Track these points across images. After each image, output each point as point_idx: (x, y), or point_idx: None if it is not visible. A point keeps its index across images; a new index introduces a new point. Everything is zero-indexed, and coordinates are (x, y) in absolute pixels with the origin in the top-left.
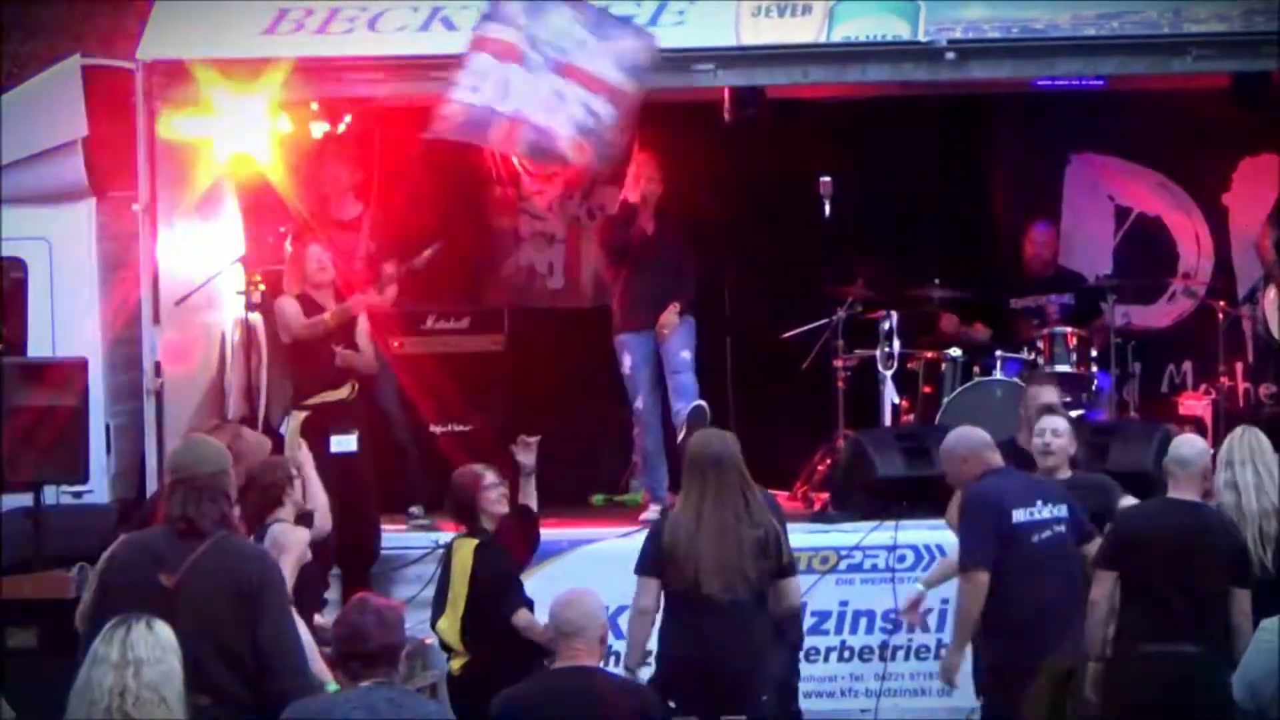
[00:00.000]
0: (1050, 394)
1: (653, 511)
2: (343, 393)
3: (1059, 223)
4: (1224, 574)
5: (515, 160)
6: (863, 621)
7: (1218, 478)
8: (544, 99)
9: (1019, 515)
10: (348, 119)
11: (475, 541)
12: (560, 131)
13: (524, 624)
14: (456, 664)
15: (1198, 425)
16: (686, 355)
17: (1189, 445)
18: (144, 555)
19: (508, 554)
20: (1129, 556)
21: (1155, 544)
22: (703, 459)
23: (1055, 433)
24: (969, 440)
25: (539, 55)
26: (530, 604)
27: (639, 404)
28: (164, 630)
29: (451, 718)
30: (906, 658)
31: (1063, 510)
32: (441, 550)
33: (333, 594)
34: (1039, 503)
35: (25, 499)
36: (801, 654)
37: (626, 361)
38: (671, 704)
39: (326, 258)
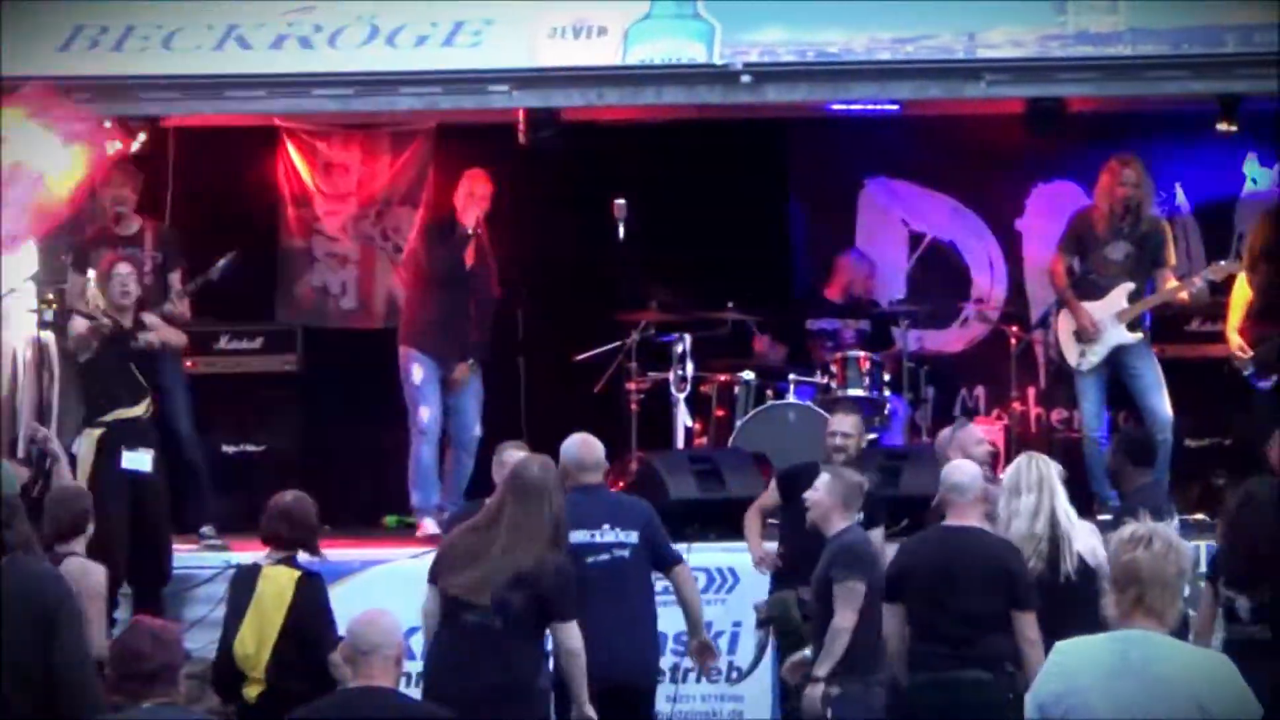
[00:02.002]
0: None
1: (430, 528)
2: (137, 410)
3: (853, 246)
4: (1001, 599)
5: (309, 181)
6: None
7: (1006, 504)
8: None
9: (577, 536)
10: (142, 137)
11: (298, 573)
12: None
13: (337, 663)
14: (253, 691)
15: (990, 450)
16: (478, 432)
17: (961, 472)
18: None
19: (326, 589)
20: (905, 588)
21: (930, 573)
22: (512, 481)
23: (845, 434)
24: (566, 453)
25: None
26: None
27: (423, 416)
28: None
29: None
30: (698, 679)
31: (633, 536)
32: (233, 572)
33: (123, 614)
34: (605, 526)
35: None
36: None
37: (417, 374)
38: None
39: (131, 280)
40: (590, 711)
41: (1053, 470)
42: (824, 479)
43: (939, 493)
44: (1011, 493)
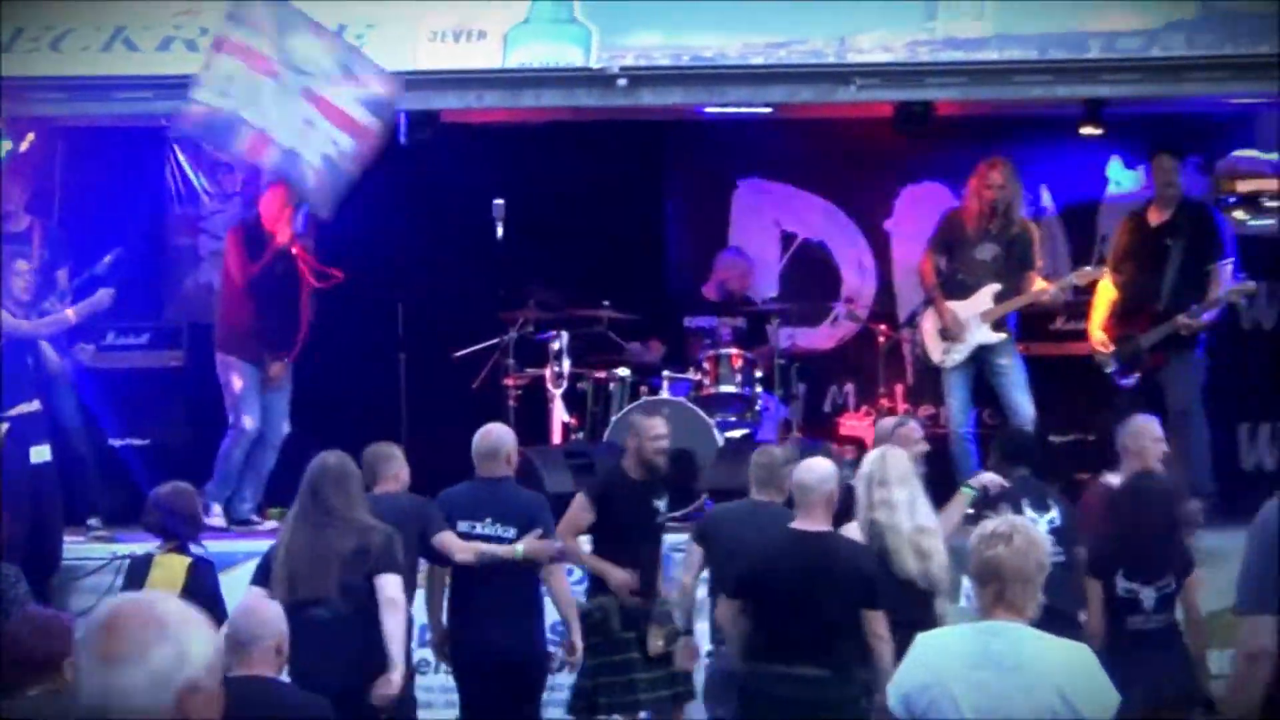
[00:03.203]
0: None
1: (216, 516)
2: (35, 405)
3: (727, 246)
4: (850, 599)
5: (196, 181)
6: None
7: (867, 492)
8: (294, 123)
9: (461, 525)
10: (31, 136)
11: (189, 560)
12: (307, 158)
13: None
14: None
15: (859, 445)
16: (287, 429)
17: (810, 472)
18: None
19: (216, 575)
20: (752, 588)
21: (778, 576)
22: (316, 476)
23: (662, 435)
24: (476, 442)
25: (292, 75)
26: None
27: (246, 424)
28: None
29: None
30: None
31: (510, 532)
32: (120, 561)
33: None
34: (488, 519)
35: None
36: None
37: (237, 383)
38: None
39: (30, 275)
40: (398, 675)
41: (907, 462)
42: None
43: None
44: (877, 483)
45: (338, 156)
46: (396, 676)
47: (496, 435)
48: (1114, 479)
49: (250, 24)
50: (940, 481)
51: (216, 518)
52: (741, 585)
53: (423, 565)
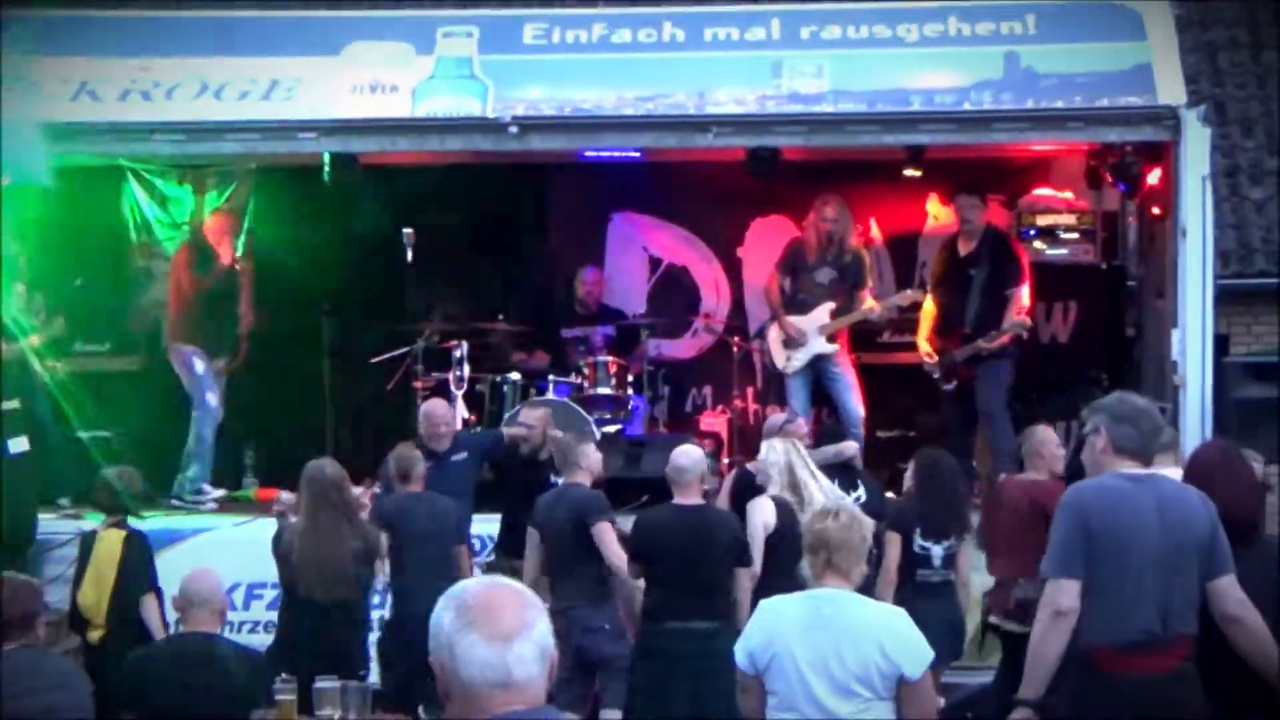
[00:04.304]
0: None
1: (212, 494)
2: (14, 403)
3: (603, 268)
4: (726, 560)
5: (150, 213)
6: None
7: (785, 476)
8: None
9: None
10: (7, 177)
11: (125, 533)
12: None
13: (149, 607)
14: (95, 635)
15: (715, 439)
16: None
17: (685, 456)
18: None
19: (149, 547)
20: (647, 552)
21: (667, 542)
22: (309, 483)
23: (529, 426)
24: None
25: None
26: (160, 591)
27: (211, 400)
28: None
29: (79, 673)
30: None
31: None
32: (80, 536)
33: None
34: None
35: None
36: None
37: (200, 365)
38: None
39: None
40: None
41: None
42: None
43: (667, 473)
44: (801, 468)
45: None
46: None
47: (402, 455)
48: (1023, 478)
49: None
50: None
51: (212, 498)
52: (639, 549)
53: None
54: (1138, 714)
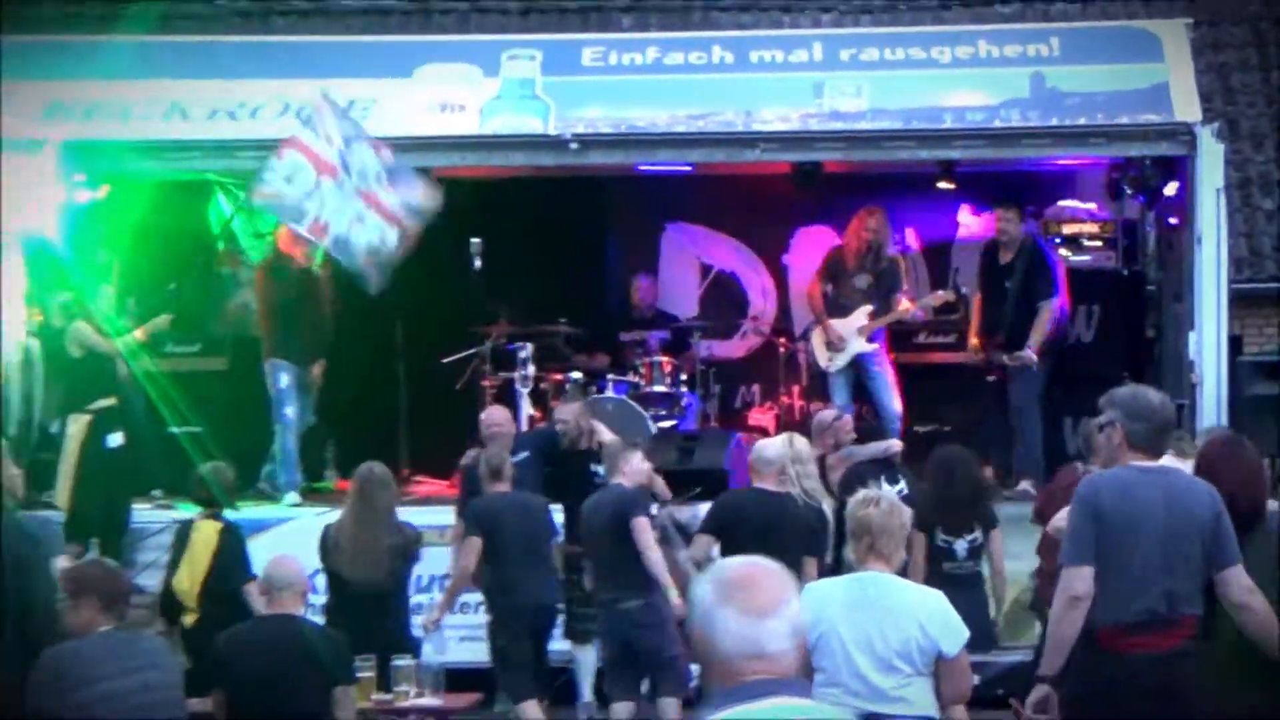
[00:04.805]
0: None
1: (294, 499)
2: (111, 401)
3: (657, 275)
4: (797, 546)
5: (235, 222)
6: None
7: (794, 466)
8: (348, 216)
9: None
10: (105, 188)
11: (221, 525)
12: (357, 246)
13: (251, 594)
14: (189, 619)
15: (764, 433)
16: (311, 420)
17: (771, 449)
18: None
19: (243, 538)
20: (726, 529)
21: (746, 522)
22: (359, 482)
23: (563, 420)
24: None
25: (349, 179)
26: (254, 577)
27: (289, 412)
28: None
29: (170, 651)
30: None
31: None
32: (176, 525)
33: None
34: None
35: None
36: None
37: (285, 379)
38: None
39: (114, 302)
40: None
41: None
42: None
43: (750, 462)
44: (808, 460)
45: (381, 244)
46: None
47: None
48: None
49: (320, 130)
50: None
51: (293, 501)
52: (719, 525)
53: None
54: (1139, 689)
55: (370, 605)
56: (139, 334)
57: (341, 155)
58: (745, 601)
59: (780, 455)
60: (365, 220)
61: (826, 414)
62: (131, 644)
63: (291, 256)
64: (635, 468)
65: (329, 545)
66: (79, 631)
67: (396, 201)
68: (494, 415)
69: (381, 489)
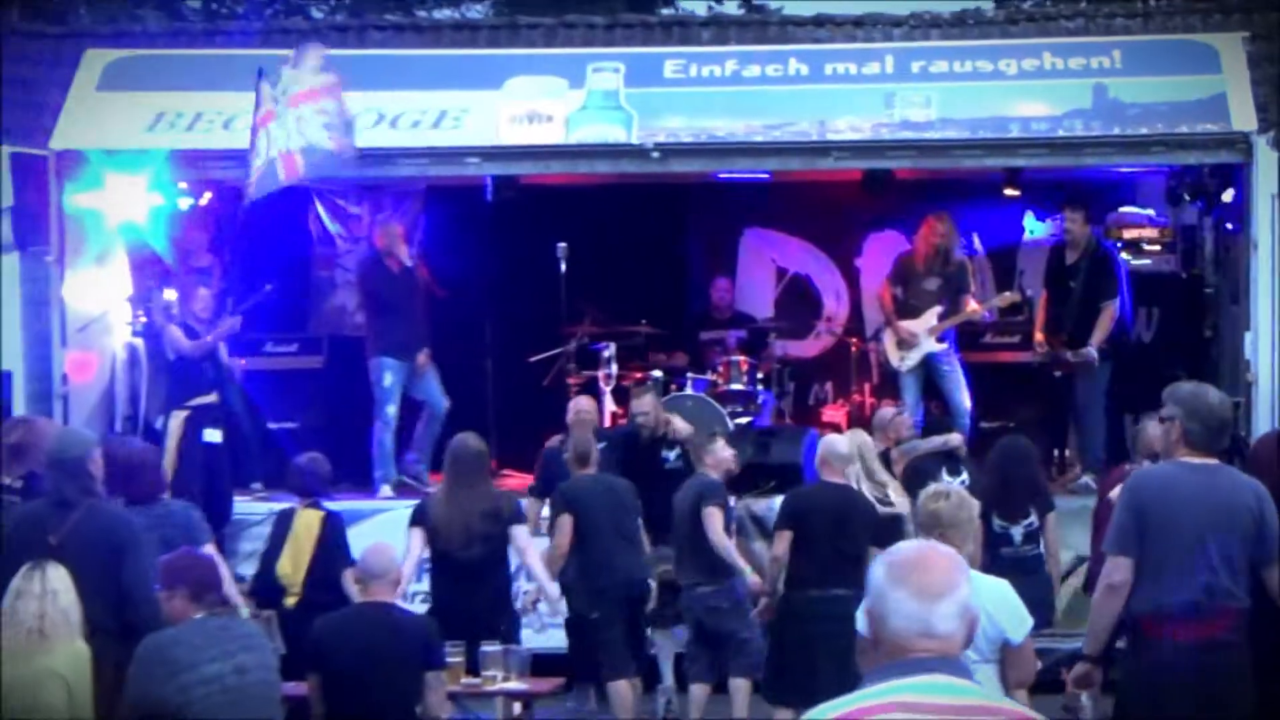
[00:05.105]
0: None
1: (387, 492)
2: (211, 397)
3: (735, 278)
4: (865, 537)
5: (331, 227)
6: None
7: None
8: (290, 131)
9: None
10: (207, 195)
11: (323, 513)
12: (314, 139)
13: (349, 581)
14: (291, 601)
15: (836, 429)
16: (447, 404)
17: (843, 444)
18: (34, 521)
19: (344, 526)
20: (799, 522)
21: (818, 514)
22: (452, 453)
23: (644, 413)
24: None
25: (281, 106)
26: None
27: (389, 412)
28: (64, 571)
29: (263, 634)
30: None
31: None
32: (275, 515)
33: None
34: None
35: None
36: None
37: (388, 379)
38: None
39: (209, 299)
40: (554, 590)
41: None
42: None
43: (820, 457)
44: (871, 456)
45: (336, 119)
46: (553, 590)
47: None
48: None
49: (271, 84)
50: None
51: (387, 494)
52: (792, 517)
53: None
54: (1179, 676)
55: (468, 574)
56: (209, 338)
57: (274, 100)
58: (918, 583)
59: (853, 453)
60: (303, 117)
61: (886, 411)
62: (226, 629)
63: (390, 255)
64: (718, 456)
65: (425, 516)
66: (174, 620)
67: (330, 106)
68: (581, 403)
69: (473, 458)
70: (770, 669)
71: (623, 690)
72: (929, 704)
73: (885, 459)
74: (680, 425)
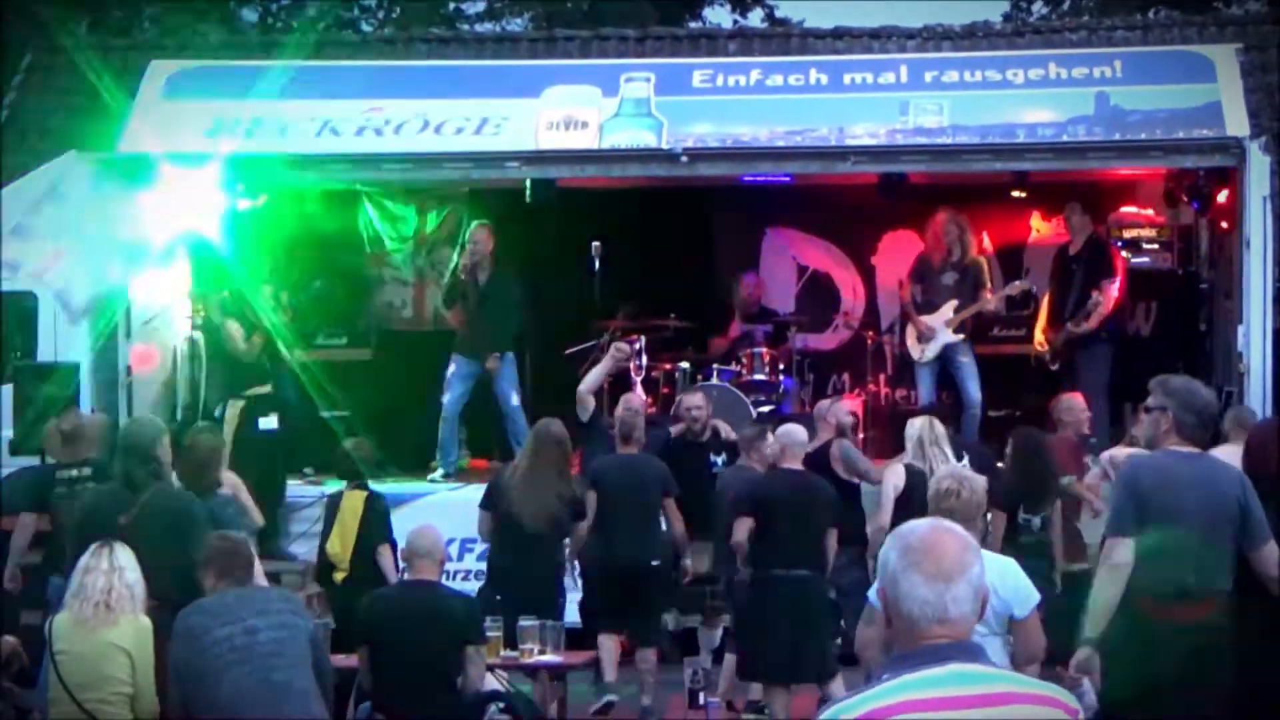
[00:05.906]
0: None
1: (439, 473)
2: (266, 388)
3: (759, 274)
4: (824, 519)
5: (380, 227)
6: None
7: (922, 450)
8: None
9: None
10: (265, 197)
11: (366, 493)
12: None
13: (385, 554)
14: (340, 575)
15: (853, 416)
16: (516, 401)
17: (801, 433)
18: (107, 503)
19: (386, 506)
20: (759, 507)
21: (779, 500)
22: (535, 435)
23: (698, 408)
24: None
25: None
26: (395, 543)
27: (448, 398)
28: (129, 550)
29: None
30: None
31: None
32: (326, 498)
33: None
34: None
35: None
36: None
37: (451, 368)
38: (498, 597)
39: (269, 295)
40: None
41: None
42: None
43: (781, 444)
44: (939, 442)
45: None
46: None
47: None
48: (1118, 452)
49: None
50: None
51: (437, 476)
52: (753, 503)
53: None
54: (1169, 655)
55: (535, 550)
56: (244, 346)
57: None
58: (930, 567)
59: (805, 439)
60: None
61: (824, 403)
62: (243, 598)
63: (468, 270)
64: (765, 452)
65: (500, 488)
66: (207, 594)
67: None
68: (632, 400)
69: (557, 443)
70: (739, 647)
71: (606, 644)
72: (949, 698)
73: (825, 450)
74: (726, 429)
